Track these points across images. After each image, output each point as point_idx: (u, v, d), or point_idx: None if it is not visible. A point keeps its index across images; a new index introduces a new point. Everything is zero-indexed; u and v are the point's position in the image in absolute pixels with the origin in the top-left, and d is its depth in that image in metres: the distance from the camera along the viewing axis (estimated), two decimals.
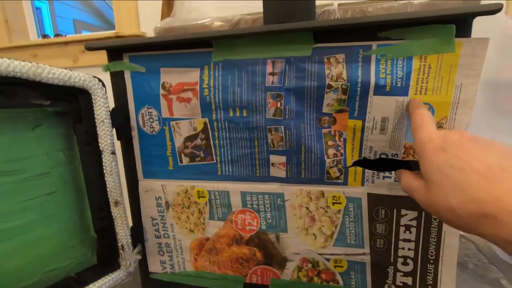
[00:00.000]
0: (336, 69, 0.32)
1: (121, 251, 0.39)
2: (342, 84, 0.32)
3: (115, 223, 0.38)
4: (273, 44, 0.33)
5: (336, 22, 0.31)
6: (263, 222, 0.39)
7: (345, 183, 0.35)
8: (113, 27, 1.43)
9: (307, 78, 0.33)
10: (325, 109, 0.34)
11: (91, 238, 0.37)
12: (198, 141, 0.38)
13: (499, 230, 0.18)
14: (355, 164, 0.35)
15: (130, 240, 0.39)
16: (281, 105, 0.34)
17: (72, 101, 0.33)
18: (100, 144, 0.35)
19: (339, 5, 0.60)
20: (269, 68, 0.34)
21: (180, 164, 0.40)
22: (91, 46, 0.38)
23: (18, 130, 0.30)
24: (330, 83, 0.32)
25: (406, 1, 0.56)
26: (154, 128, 0.39)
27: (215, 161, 0.38)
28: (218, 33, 0.34)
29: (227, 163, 0.38)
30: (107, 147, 0.36)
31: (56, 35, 1.50)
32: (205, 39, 0.34)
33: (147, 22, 1.31)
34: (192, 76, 0.36)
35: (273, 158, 0.36)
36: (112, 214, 0.37)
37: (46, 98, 0.31)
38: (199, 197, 0.40)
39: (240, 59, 0.34)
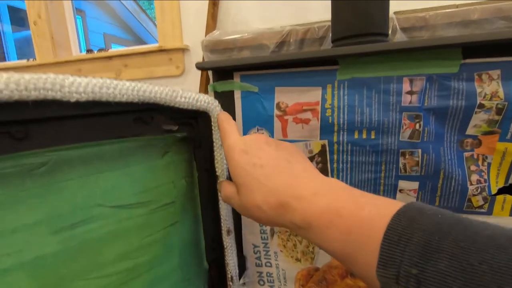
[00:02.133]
0: (489, 87, 0.29)
1: (230, 283, 0.36)
2: (497, 104, 0.29)
3: (226, 253, 0.35)
4: (412, 60, 0.30)
5: (494, 36, 0.28)
6: None
7: (489, 212, 0.32)
8: (139, 41, 1.44)
9: (452, 97, 0.30)
10: (470, 131, 0.30)
11: (204, 270, 0.34)
12: (314, 165, 0.35)
13: (292, 216, 0.20)
14: (503, 191, 0.31)
15: (237, 271, 0.37)
16: (419, 126, 0.31)
17: (194, 126, 0.31)
18: (216, 170, 0.33)
19: (395, 13, 0.56)
20: (406, 87, 0.31)
21: None
22: (202, 66, 0.36)
23: (149, 159, 0.28)
24: (482, 102, 0.29)
25: (470, 7, 0.51)
26: None
27: None
28: (347, 51, 0.32)
29: None
30: (223, 173, 0.33)
31: (100, 50, 1.53)
32: (331, 57, 0.32)
33: (191, 35, 1.32)
34: (312, 95, 0.34)
35: (403, 184, 0.33)
36: (224, 243, 0.35)
37: (175, 124, 0.29)
38: None
39: (370, 77, 0.32)
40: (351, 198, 0.19)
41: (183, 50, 1.46)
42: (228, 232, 0.35)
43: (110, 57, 1.35)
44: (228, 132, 0.27)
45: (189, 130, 0.31)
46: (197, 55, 1.36)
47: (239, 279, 0.38)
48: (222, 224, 0.34)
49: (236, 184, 0.25)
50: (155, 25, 1.37)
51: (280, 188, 0.22)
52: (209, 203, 0.33)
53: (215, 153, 0.33)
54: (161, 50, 1.35)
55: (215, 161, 0.33)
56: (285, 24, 0.68)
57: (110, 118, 0.24)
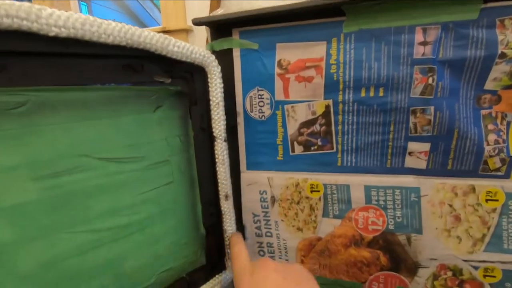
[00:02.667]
0: None
1: (228, 250, 0.35)
2: None
3: (224, 219, 0.34)
4: (426, 7, 0.28)
5: None
6: (390, 221, 0.34)
7: (506, 175, 0.29)
8: (144, 26, 1.42)
9: (470, 47, 0.27)
10: (488, 85, 0.28)
11: (201, 236, 0.33)
12: (316, 127, 0.33)
13: None
14: None
15: None
16: (433, 80, 0.28)
17: (189, 81, 0.29)
18: (214, 130, 0.31)
19: None
20: (419, 37, 0.28)
21: (291, 153, 0.35)
22: (198, 21, 0.34)
23: (140, 111, 0.27)
24: (504, 51, 0.26)
25: None
26: (264, 113, 0.35)
27: (335, 150, 0.33)
28: None
29: (350, 152, 0.33)
30: (221, 134, 0.32)
31: None
32: (337, 3, 0.29)
33: (194, 15, 1.29)
34: (316, 51, 0.31)
35: (413, 146, 0.31)
36: (222, 208, 0.33)
37: (168, 76, 0.27)
38: (312, 192, 0.35)
39: (380, 28, 0.29)
40: None
41: (187, 31, 1.43)
42: (226, 197, 0.33)
43: None
44: (238, 255, 0.28)
45: (184, 85, 0.29)
46: (201, 35, 1.33)
47: None
48: (219, 189, 0.33)
49: None
50: (160, 11, 1.35)
51: None
52: (206, 165, 0.32)
53: (212, 112, 0.31)
54: (164, 31, 1.33)
55: (212, 121, 0.31)
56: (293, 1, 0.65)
57: (96, 61, 0.23)
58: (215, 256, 0.34)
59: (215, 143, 0.32)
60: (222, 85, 0.31)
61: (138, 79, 0.25)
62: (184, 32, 1.36)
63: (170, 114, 0.29)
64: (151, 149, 0.27)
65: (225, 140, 0.32)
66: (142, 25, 3.10)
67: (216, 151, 0.32)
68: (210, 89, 0.30)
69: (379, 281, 0.35)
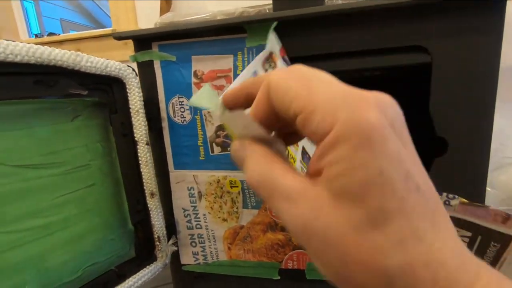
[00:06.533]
0: None
1: (158, 243, 0.38)
2: None
3: (151, 215, 0.37)
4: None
5: None
6: None
7: None
8: (100, 26, 1.40)
9: None
10: None
11: (129, 231, 0.36)
12: None
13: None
14: None
15: (165, 232, 0.39)
16: None
17: (107, 91, 0.32)
18: (135, 135, 0.35)
19: None
20: None
21: (211, 154, 0.39)
22: (119, 35, 0.37)
23: (57, 121, 0.29)
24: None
25: None
26: (185, 117, 0.39)
27: None
28: (253, 18, 0.34)
29: None
30: (142, 138, 0.35)
31: (50, 34, 1.46)
32: (238, 24, 0.34)
33: (145, 19, 1.29)
34: (225, 63, 0.36)
35: None
36: (148, 205, 0.37)
37: (84, 88, 0.30)
38: (231, 187, 0.40)
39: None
40: None
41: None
42: (152, 195, 0.37)
43: (61, 42, 1.29)
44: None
45: (101, 96, 0.32)
46: None
47: (168, 240, 0.40)
48: (145, 188, 0.36)
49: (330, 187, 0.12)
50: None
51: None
52: (130, 167, 0.35)
53: (133, 118, 0.34)
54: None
55: (134, 126, 0.35)
56: (242, 6, 0.69)
57: (6, 78, 0.25)
58: (145, 249, 0.37)
59: (138, 146, 0.35)
60: (141, 94, 0.35)
61: (51, 93, 0.28)
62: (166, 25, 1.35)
63: (89, 123, 0.32)
64: (70, 155, 0.30)
65: (147, 144, 0.36)
66: (98, 24, 2.98)
67: (139, 154, 0.35)
68: (129, 98, 0.34)
69: (293, 259, 0.41)
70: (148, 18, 1.26)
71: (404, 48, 0.32)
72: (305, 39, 0.34)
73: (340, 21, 0.33)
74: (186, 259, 0.44)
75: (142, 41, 0.37)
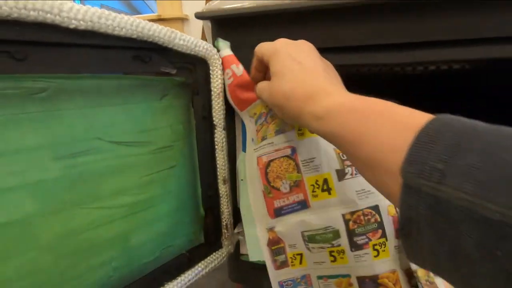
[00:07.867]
0: None
1: (225, 231, 0.37)
2: None
3: (221, 202, 0.36)
4: None
5: None
6: None
7: None
8: (137, 13, 1.41)
9: None
10: None
11: (200, 216, 0.36)
12: None
13: (314, 107, 0.22)
14: None
15: (232, 220, 0.38)
16: None
17: (192, 72, 0.31)
18: (214, 119, 0.34)
19: None
20: None
21: None
22: (201, 15, 0.36)
23: (148, 99, 0.29)
24: None
25: None
26: None
27: None
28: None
29: None
30: (220, 122, 0.34)
31: None
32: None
33: (190, 5, 1.28)
34: None
35: None
36: (219, 192, 0.36)
37: (173, 67, 0.29)
38: None
39: None
40: (387, 102, 0.19)
41: (183, 19, 1.43)
42: (224, 181, 0.36)
43: None
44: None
45: (187, 76, 0.31)
46: (197, 25, 1.34)
47: (234, 228, 0.39)
48: (218, 173, 0.35)
49: (271, 73, 0.26)
50: None
51: (311, 83, 0.23)
52: (206, 151, 0.34)
53: (213, 102, 0.33)
54: (160, 20, 1.33)
55: (213, 110, 0.34)
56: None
57: (109, 52, 0.25)
58: (213, 236, 0.37)
59: (215, 131, 0.34)
60: (222, 76, 0.34)
61: (146, 69, 0.27)
62: (179, 20, 1.35)
63: (175, 103, 0.31)
64: (157, 135, 0.30)
65: (224, 129, 0.35)
66: (136, 11, 3.03)
67: (216, 139, 0.34)
68: (211, 80, 0.33)
69: None
70: (195, 4, 1.26)
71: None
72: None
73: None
74: (245, 249, 0.43)
75: (224, 21, 0.36)
